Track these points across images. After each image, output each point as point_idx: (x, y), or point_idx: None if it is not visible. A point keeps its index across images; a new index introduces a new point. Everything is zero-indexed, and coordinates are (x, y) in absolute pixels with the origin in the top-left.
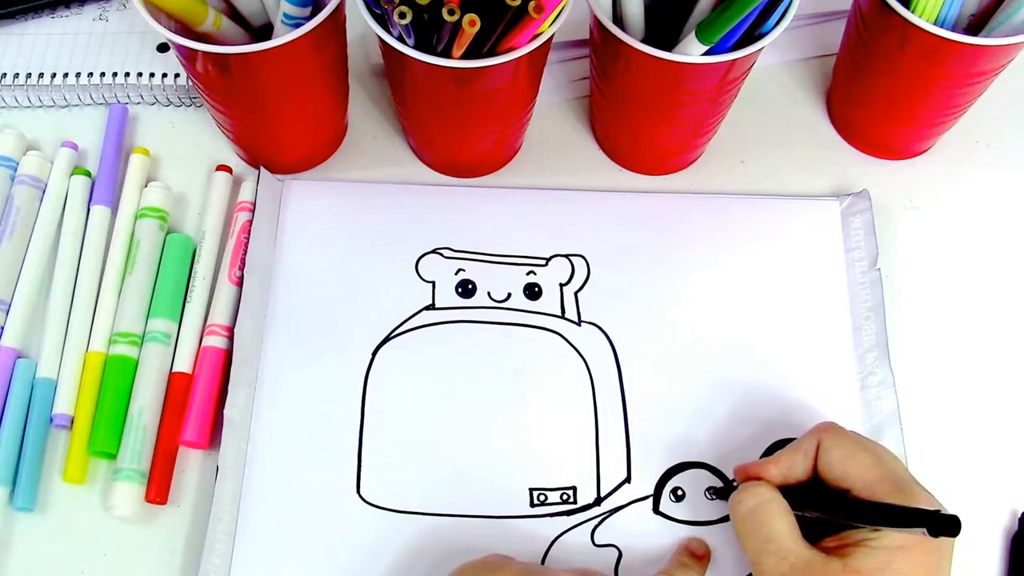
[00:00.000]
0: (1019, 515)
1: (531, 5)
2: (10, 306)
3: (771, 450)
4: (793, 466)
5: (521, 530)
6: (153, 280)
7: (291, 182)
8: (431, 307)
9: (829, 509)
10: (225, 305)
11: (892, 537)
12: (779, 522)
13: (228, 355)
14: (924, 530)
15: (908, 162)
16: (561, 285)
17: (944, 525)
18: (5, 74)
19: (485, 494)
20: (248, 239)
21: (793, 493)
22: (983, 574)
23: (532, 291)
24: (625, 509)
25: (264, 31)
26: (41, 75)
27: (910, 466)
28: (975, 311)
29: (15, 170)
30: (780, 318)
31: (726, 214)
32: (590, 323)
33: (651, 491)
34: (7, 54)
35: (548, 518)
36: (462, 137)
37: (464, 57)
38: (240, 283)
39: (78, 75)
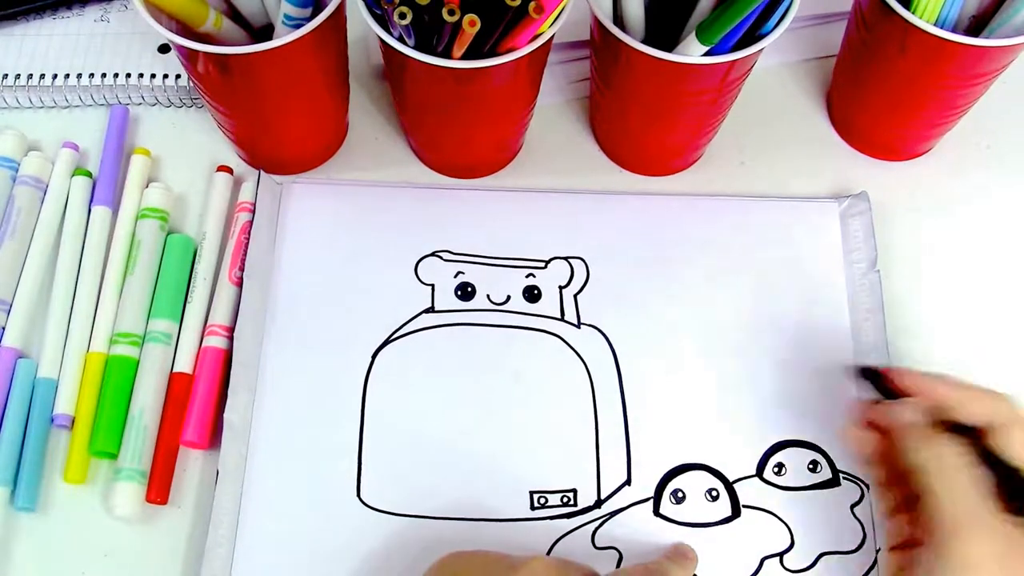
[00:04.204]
0: None
1: (531, 6)
2: (11, 306)
3: (771, 451)
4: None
5: (522, 533)
6: (154, 280)
7: (290, 185)
8: (430, 310)
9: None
10: (225, 305)
11: None
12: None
13: (228, 355)
14: None
15: (908, 163)
16: (560, 288)
17: None
18: (6, 75)
19: (485, 497)
20: (248, 240)
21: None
22: None
23: (531, 294)
24: (626, 511)
25: (265, 32)
26: (42, 76)
27: None
28: (975, 313)
29: (16, 171)
30: (780, 320)
31: (726, 216)
32: (589, 325)
33: (651, 493)
34: (8, 55)
35: (549, 521)
36: (462, 138)
37: (464, 58)
38: (240, 284)
39: (79, 76)
